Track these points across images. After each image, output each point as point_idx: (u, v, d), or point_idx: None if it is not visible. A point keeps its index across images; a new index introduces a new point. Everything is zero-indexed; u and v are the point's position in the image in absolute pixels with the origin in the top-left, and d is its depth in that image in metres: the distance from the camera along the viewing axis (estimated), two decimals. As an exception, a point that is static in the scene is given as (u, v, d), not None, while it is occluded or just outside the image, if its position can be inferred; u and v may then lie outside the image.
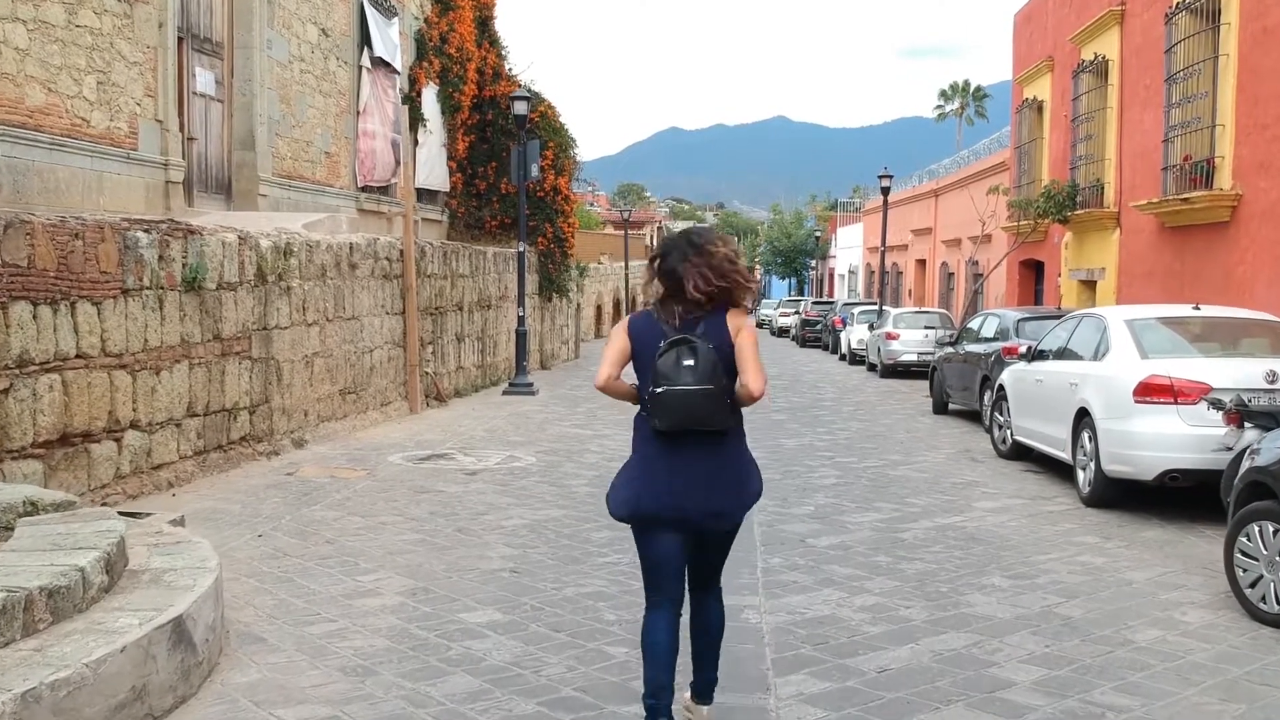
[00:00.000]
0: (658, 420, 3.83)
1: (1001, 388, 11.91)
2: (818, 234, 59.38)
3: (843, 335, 31.68)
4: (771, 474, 10.30)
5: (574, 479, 9.99)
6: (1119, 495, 8.85)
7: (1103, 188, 17.31)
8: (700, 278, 3.85)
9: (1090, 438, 8.98)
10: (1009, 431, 11.64)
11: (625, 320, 4.05)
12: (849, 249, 50.92)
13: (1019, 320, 14.31)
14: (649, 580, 4.00)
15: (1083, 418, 9.19)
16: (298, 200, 16.33)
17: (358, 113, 18.64)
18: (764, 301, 68.61)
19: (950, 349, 16.43)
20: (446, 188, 23.13)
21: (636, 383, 3.99)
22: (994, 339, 14.77)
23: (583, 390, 19.67)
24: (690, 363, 3.75)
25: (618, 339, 3.98)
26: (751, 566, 6.82)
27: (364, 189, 18.86)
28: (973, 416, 15.63)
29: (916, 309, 26.37)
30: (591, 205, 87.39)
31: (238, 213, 14.42)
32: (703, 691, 4.20)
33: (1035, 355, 11.05)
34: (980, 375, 14.56)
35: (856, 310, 30.85)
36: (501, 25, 24.81)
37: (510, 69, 24.96)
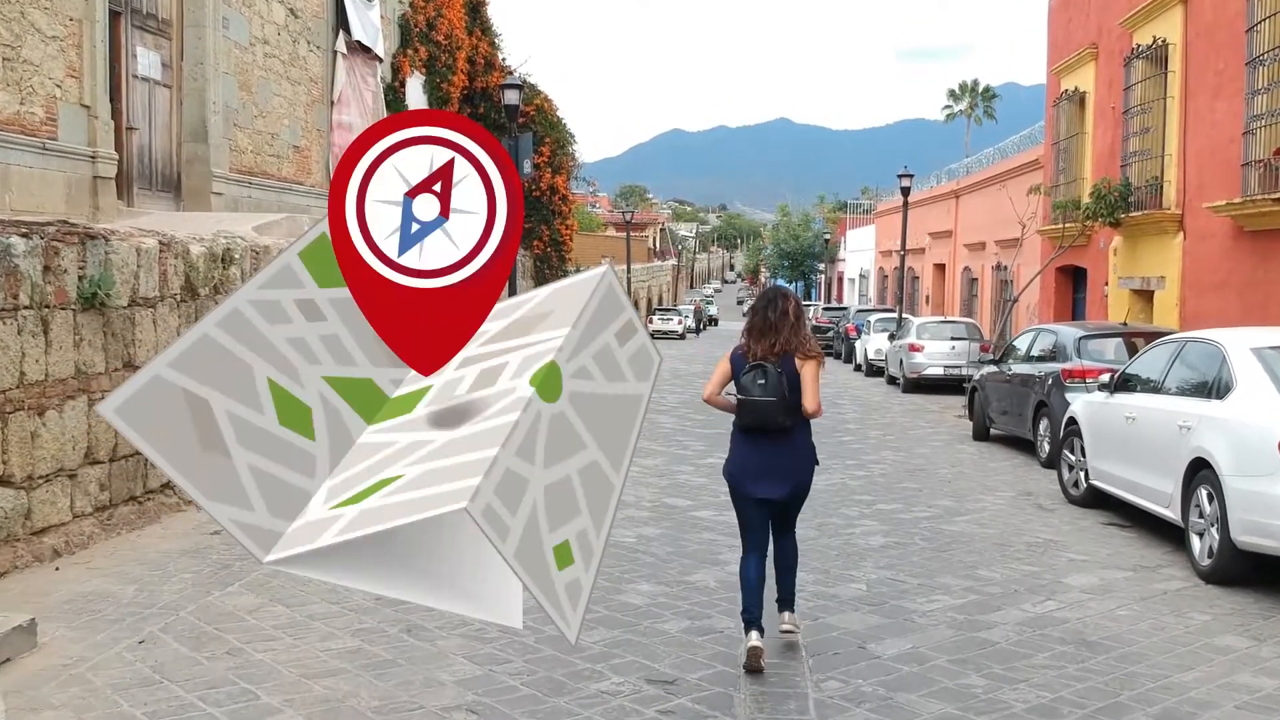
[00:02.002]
0: (741, 420, 5.43)
1: (1073, 421, 10.08)
2: (827, 236, 57.47)
3: (858, 344, 29.91)
4: (805, 530, 8.48)
5: (565, 539, 8.15)
6: (1248, 569, 7.02)
7: (1161, 187, 15.48)
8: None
9: (1212, 497, 7.15)
10: (1083, 474, 9.81)
11: (728, 352, 5.62)
12: (859, 252, 49.08)
13: (1080, 338, 12.47)
14: (744, 534, 5.58)
15: (1199, 470, 7.36)
16: (260, 200, 14.54)
17: (332, 103, 16.85)
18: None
19: (993, 367, 14.59)
20: (434, 187, 21.33)
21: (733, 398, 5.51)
22: (1048, 358, 12.94)
23: (580, 409, 17.84)
24: (762, 381, 5.30)
25: (722, 366, 5.59)
26: (800, 696, 4.99)
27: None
28: (1021, 444, 13.80)
29: (942, 318, 24.55)
30: (593, 207, 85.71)
31: (183, 214, 12.64)
32: (785, 600, 5.61)
33: (1120, 384, 9.22)
34: (1034, 400, 12.74)
35: (873, 318, 29.06)
36: (496, 16, 23.06)
37: (504, 59, 23.17)
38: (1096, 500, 9.67)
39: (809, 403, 5.38)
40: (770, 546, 5.61)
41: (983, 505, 9.98)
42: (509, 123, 17.50)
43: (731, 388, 5.58)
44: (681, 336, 50.18)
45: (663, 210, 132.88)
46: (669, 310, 54.09)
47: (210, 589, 6.53)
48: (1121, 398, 9.06)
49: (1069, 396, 11.79)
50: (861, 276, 48.15)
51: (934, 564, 7.63)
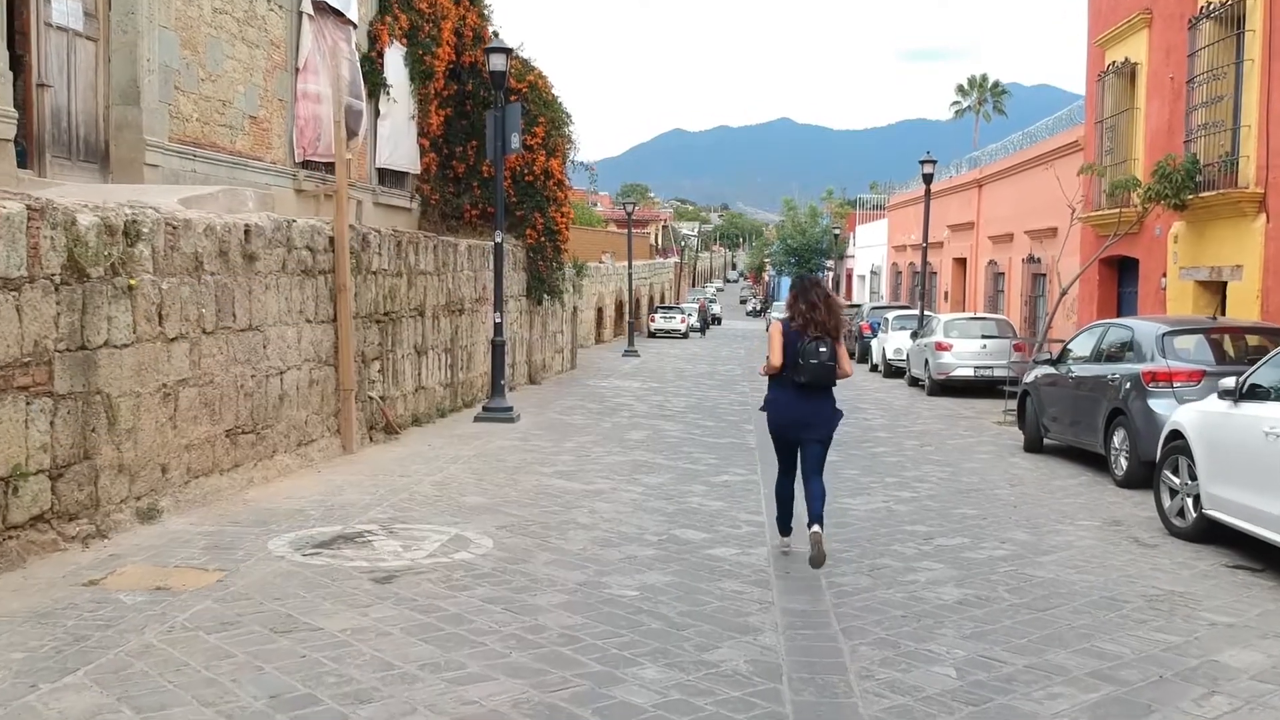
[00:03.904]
0: (802, 378, 6.97)
1: (1178, 435, 8.18)
2: (836, 230, 55.43)
3: (874, 344, 28.06)
4: (857, 578, 6.67)
5: (547, 591, 6.27)
6: None
7: (1236, 163, 13.58)
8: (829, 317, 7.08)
9: None
10: (1190, 501, 7.93)
11: (779, 325, 7.14)
12: (870, 248, 47.15)
13: (1164, 334, 10.57)
14: (781, 462, 7.39)
15: (1397, 508, 5.47)
16: (208, 175, 12.66)
17: (296, 70, 14.97)
18: (775, 305, 64.73)
19: (1049, 369, 12.70)
20: (416, 169, 19.43)
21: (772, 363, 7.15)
22: (1122, 358, 11.06)
23: (577, 415, 15.95)
24: (824, 349, 6.94)
25: (778, 339, 7.08)
26: None
27: (305, 164, 15.18)
28: (1084, 457, 11.92)
29: (971, 314, 22.66)
30: (594, 206, 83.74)
31: (102, 185, 10.77)
32: (815, 518, 6.90)
33: (1248, 392, 7.34)
34: (1106, 408, 10.85)
35: (891, 315, 27.17)
36: (489, -5, 21.13)
37: (495, 33, 21.22)
38: (1208, 533, 7.79)
39: (846, 366, 7.10)
40: (800, 485, 7.20)
41: (1067, 539, 8.08)
42: (494, 91, 15.58)
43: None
44: (684, 335, 48.24)
45: (664, 209, 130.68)
46: (671, 308, 52.16)
47: (39, 679, 4.64)
48: (1252, 408, 7.17)
49: (1154, 404, 9.96)
50: (873, 273, 46.21)
51: (1035, 631, 5.73)
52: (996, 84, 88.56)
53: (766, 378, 7.25)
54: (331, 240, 11.41)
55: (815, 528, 6.78)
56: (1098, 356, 11.61)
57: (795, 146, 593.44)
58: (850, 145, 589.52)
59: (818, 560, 6.62)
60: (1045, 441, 12.83)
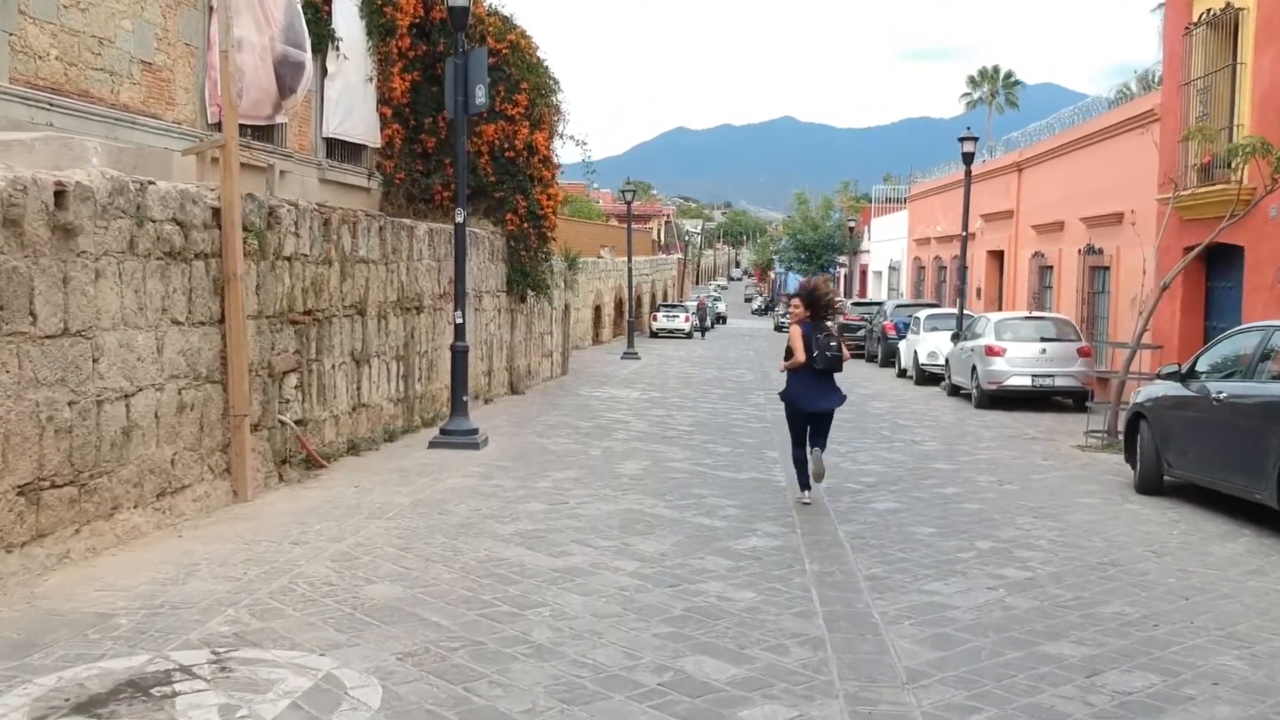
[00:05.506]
0: (819, 364, 8.77)
1: None
2: (851, 223, 52.26)
3: (902, 346, 25.08)
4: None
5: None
6: None
7: (1399, 121, 10.58)
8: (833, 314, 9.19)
9: None
10: None
11: (800, 328, 8.88)
12: (887, 242, 44.04)
13: (1372, 341, 7.54)
14: (795, 437, 9.08)
15: None
16: (75, 131, 9.62)
17: (210, 7, 11.98)
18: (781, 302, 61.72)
19: (1175, 386, 9.67)
20: (376, 142, 16.39)
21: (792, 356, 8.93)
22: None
23: (560, 437, 12.90)
24: (834, 344, 8.83)
25: (799, 339, 8.81)
26: None
27: (221, 126, 12.19)
28: (1223, 500, 8.92)
29: (1026, 314, 19.61)
30: (595, 204, 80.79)
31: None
32: (816, 446, 9.02)
33: None
34: (1279, 443, 7.82)
35: (922, 314, 24.16)
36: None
37: (476, -10, 18.18)
38: None
39: (845, 354, 8.98)
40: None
41: (1313, 674, 5.07)
42: (455, 33, 12.57)
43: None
44: (688, 335, 45.20)
45: (667, 205, 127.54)
46: (675, 306, 49.12)
47: None
48: None
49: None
50: (891, 269, 43.13)
51: None
52: (1010, 75, 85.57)
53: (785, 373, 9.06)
54: (216, 213, 8.41)
55: (815, 450, 8.97)
56: (1255, 372, 8.59)
57: (798, 145, 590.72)
58: (854, 143, 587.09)
59: (818, 475, 8.98)
60: (1165, 479, 9.83)
